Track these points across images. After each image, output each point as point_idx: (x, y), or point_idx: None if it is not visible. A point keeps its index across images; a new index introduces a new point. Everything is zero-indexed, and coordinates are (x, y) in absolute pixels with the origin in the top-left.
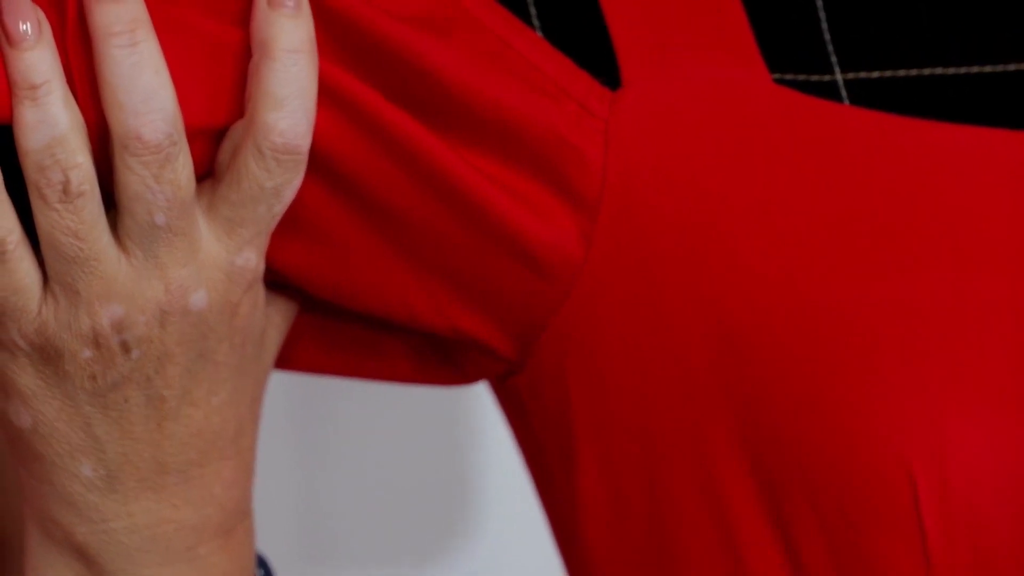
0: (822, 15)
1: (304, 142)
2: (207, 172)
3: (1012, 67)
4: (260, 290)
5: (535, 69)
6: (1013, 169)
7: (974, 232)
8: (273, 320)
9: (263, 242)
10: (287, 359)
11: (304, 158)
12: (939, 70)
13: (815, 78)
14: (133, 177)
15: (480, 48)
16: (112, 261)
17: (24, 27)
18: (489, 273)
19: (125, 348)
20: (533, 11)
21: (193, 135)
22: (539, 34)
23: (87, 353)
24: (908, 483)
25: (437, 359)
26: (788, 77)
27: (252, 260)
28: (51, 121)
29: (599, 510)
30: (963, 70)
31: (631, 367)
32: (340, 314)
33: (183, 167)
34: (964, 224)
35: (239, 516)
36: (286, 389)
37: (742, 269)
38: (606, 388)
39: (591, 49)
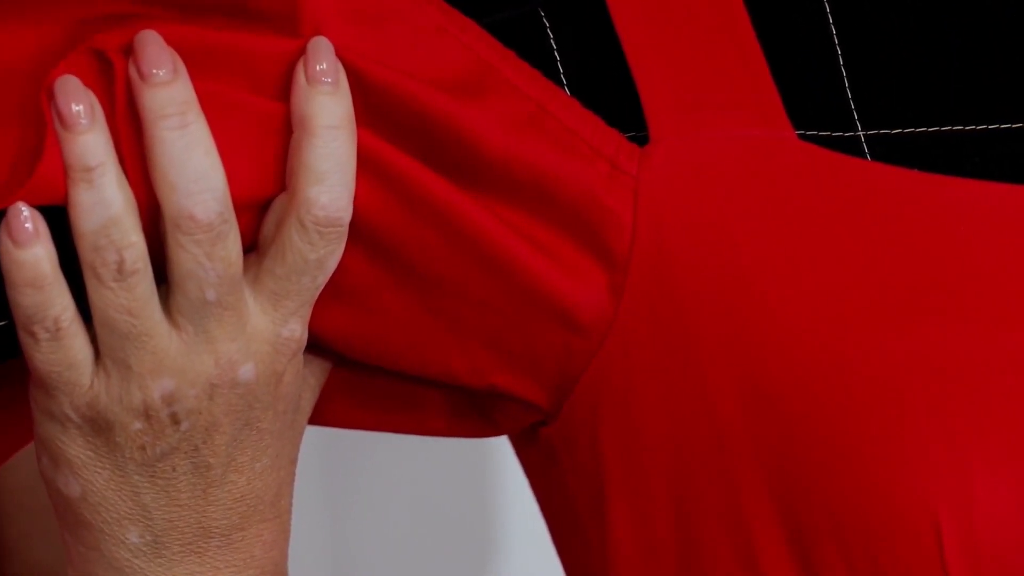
0: (844, 72)
1: (345, 214)
2: (251, 244)
3: None
4: (300, 356)
5: (568, 130)
6: None
7: (999, 286)
8: (308, 382)
9: (307, 312)
10: (321, 415)
11: (345, 229)
12: (959, 127)
13: (838, 134)
14: (185, 255)
15: (514, 111)
16: (163, 336)
17: (78, 109)
18: (524, 331)
19: (175, 420)
20: (561, 69)
21: (240, 208)
22: (567, 92)
23: (137, 425)
24: (934, 532)
25: (471, 412)
26: (811, 133)
27: (297, 331)
28: (106, 202)
29: (630, 557)
30: (981, 128)
31: (663, 417)
32: (373, 371)
33: (233, 244)
34: (989, 278)
35: (276, 574)
36: (312, 435)
37: (771, 322)
38: (638, 436)
39: (619, 106)
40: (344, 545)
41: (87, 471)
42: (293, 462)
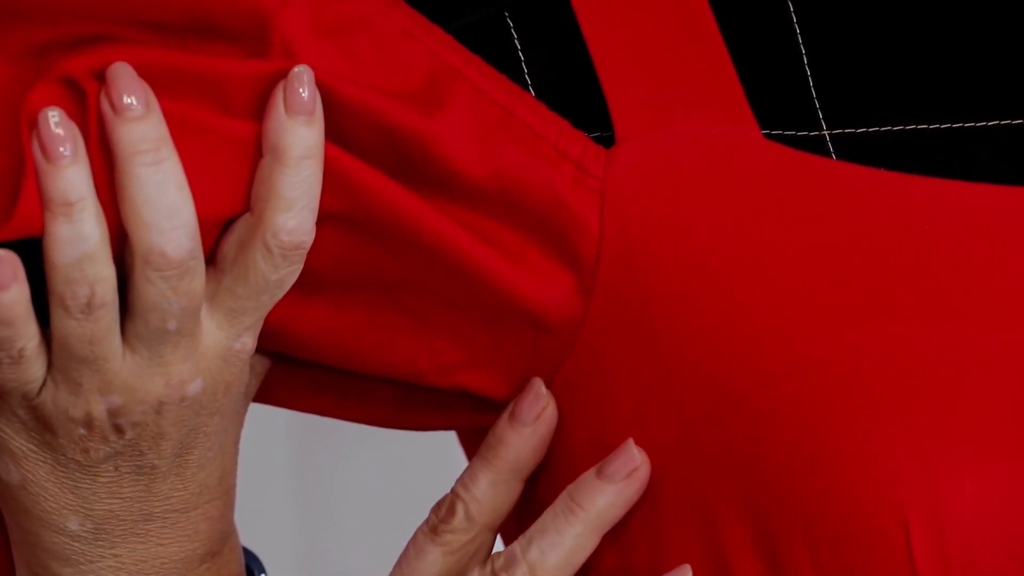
0: (809, 72)
1: (309, 237)
2: (207, 259)
3: (992, 123)
4: (248, 362)
5: (534, 133)
6: (997, 222)
7: (965, 284)
8: (255, 369)
9: (260, 326)
10: (267, 396)
11: (307, 251)
12: (923, 126)
13: (803, 134)
14: (152, 289)
15: (480, 116)
16: (118, 359)
17: (62, 140)
18: (494, 332)
19: (119, 430)
20: (526, 71)
21: (201, 227)
22: (533, 94)
23: (81, 431)
24: (903, 531)
25: (425, 406)
26: (777, 132)
27: (248, 343)
28: (83, 237)
29: (604, 556)
30: (946, 126)
31: (633, 417)
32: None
33: (199, 278)
34: (955, 276)
35: (223, 539)
36: (286, 416)
37: (737, 321)
38: (611, 437)
39: (585, 107)
40: (315, 533)
41: (28, 462)
42: (236, 443)
